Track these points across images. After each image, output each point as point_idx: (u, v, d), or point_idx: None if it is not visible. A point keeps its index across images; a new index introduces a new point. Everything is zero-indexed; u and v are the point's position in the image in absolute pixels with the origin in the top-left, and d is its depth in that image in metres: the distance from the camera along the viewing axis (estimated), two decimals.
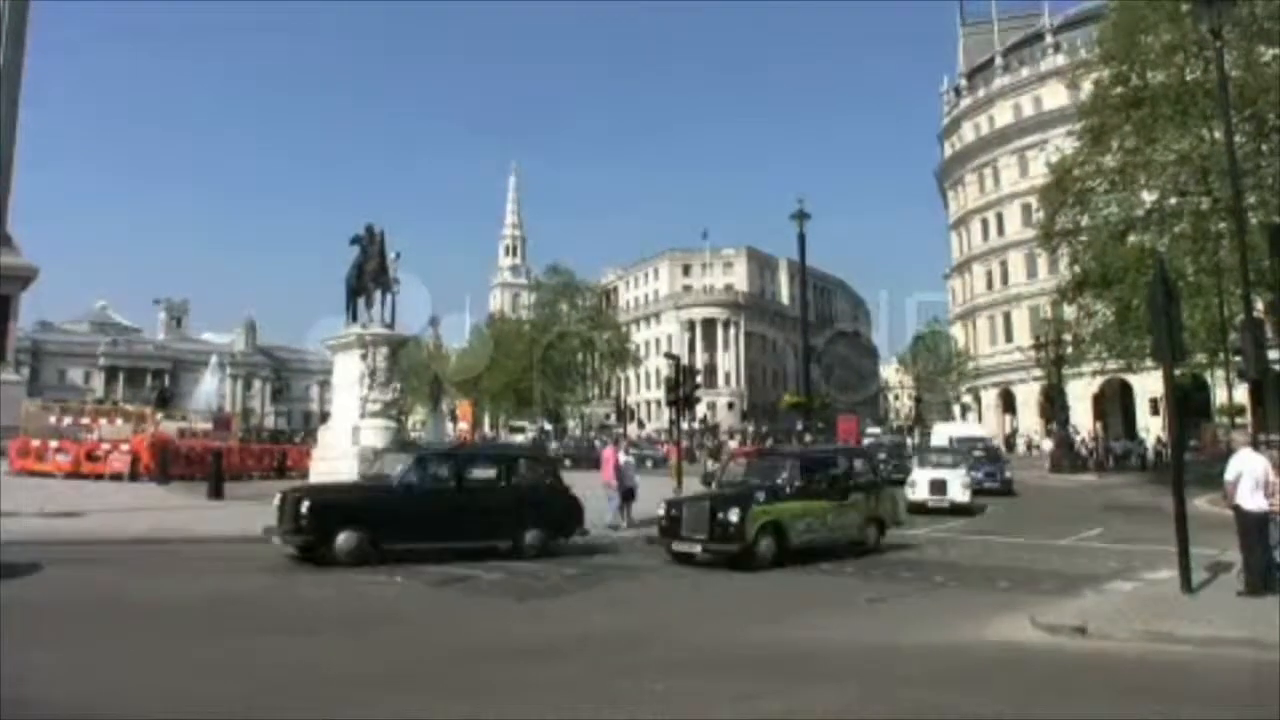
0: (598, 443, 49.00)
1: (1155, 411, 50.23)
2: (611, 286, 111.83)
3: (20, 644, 7.35)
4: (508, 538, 14.33)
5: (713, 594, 12.28)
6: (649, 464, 42.05)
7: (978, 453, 32.21)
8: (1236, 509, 10.70)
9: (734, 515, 13.53)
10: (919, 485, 24.09)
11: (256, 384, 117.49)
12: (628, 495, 18.94)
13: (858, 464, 17.17)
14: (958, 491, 23.59)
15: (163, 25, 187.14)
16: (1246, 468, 10.68)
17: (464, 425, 64.77)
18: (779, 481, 14.98)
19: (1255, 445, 11.75)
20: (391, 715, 6.38)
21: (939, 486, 23.77)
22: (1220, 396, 37.47)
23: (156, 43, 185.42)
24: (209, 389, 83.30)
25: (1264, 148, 27.08)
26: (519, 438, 62.26)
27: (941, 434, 42.89)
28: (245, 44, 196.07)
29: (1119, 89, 29.83)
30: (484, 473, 15.04)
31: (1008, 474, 31.37)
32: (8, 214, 29.40)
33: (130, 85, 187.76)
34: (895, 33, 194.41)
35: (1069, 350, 40.67)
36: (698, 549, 13.77)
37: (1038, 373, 54.17)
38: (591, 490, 17.43)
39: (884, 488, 16.95)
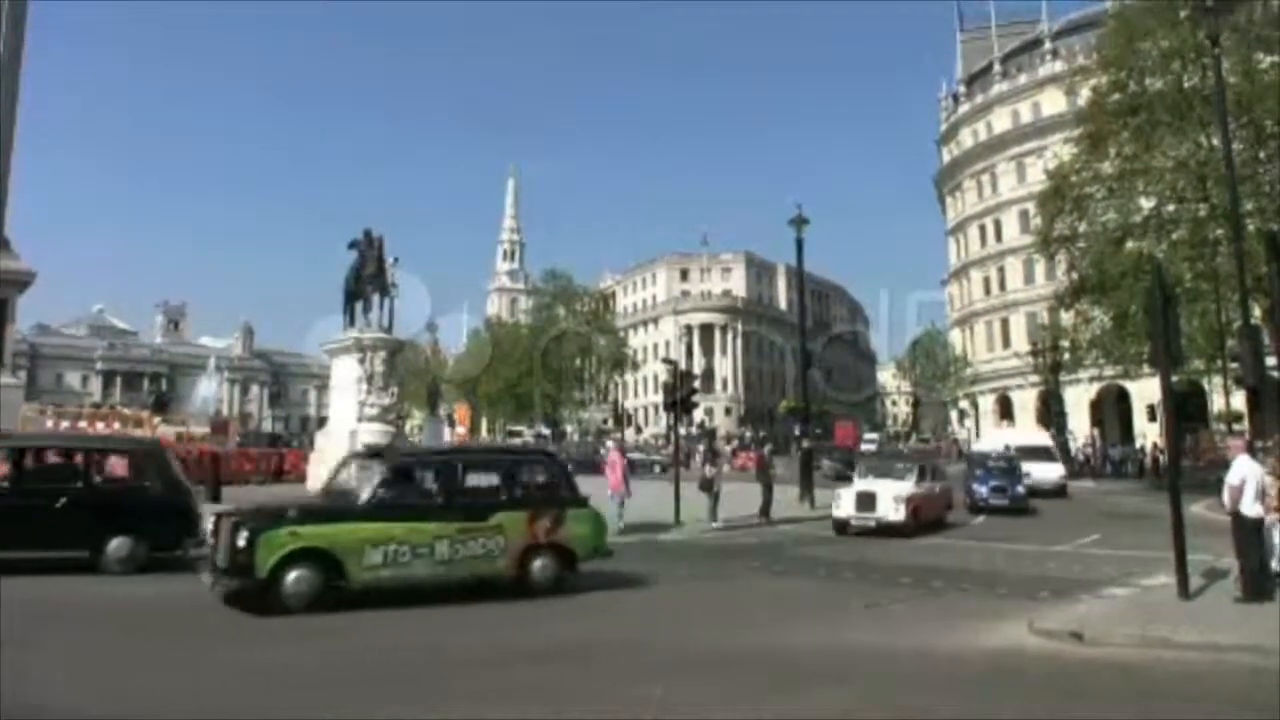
0: (605, 447, 48.60)
1: (1152, 418, 50.21)
2: (609, 291, 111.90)
3: (18, 646, 7.35)
4: (83, 547, 11.82)
5: (710, 599, 12.28)
6: (657, 469, 42.34)
7: (993, 463, 28.59)
8: (1237, 514, 10.72)
9: (242, 539, 9.78)
10: (844, 499, 19.87)
11: (254, 388, 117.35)
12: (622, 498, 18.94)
13: (523, 470, 12.47)
14: (888, 508, 19.07)
15: (161, 27, 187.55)
16: (1249, 473, 10.75)
17: (462, 429, 64.74)
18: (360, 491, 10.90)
19: (1252, 452, 11.76)
20: (389, 717, 6.38)
21: (866, 501, 19.43)
22: (1217, 403, 37.52)
23: (155, 44, 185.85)
24: (207, 393, 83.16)
25: (1261, 155, 27.13)
26: (516, 442, 62.22)
27: (994, 440, 37.60)
28: (244, 46, 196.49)
29: (1117, 95, 29.89)
30: (56, 465, 12.68)
31: (1020, 488, 26.31)
32: (6, 217, 29.30)
33: (128, 87, 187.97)
34: (894, 38, 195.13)
35: (1066, 356, 40.67)
36: (209, 580, 10.40)
37: (1035, 378, 54.29)
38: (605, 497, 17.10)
39: (570, 505, 11.88)
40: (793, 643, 9.18)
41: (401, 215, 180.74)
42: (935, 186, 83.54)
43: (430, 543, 10.59)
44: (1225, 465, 11.67)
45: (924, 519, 20.14)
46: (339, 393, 26.30)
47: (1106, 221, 30.74)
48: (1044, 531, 20.90)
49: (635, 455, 45.29)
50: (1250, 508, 10.65)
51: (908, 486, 20.21)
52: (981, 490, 26.05)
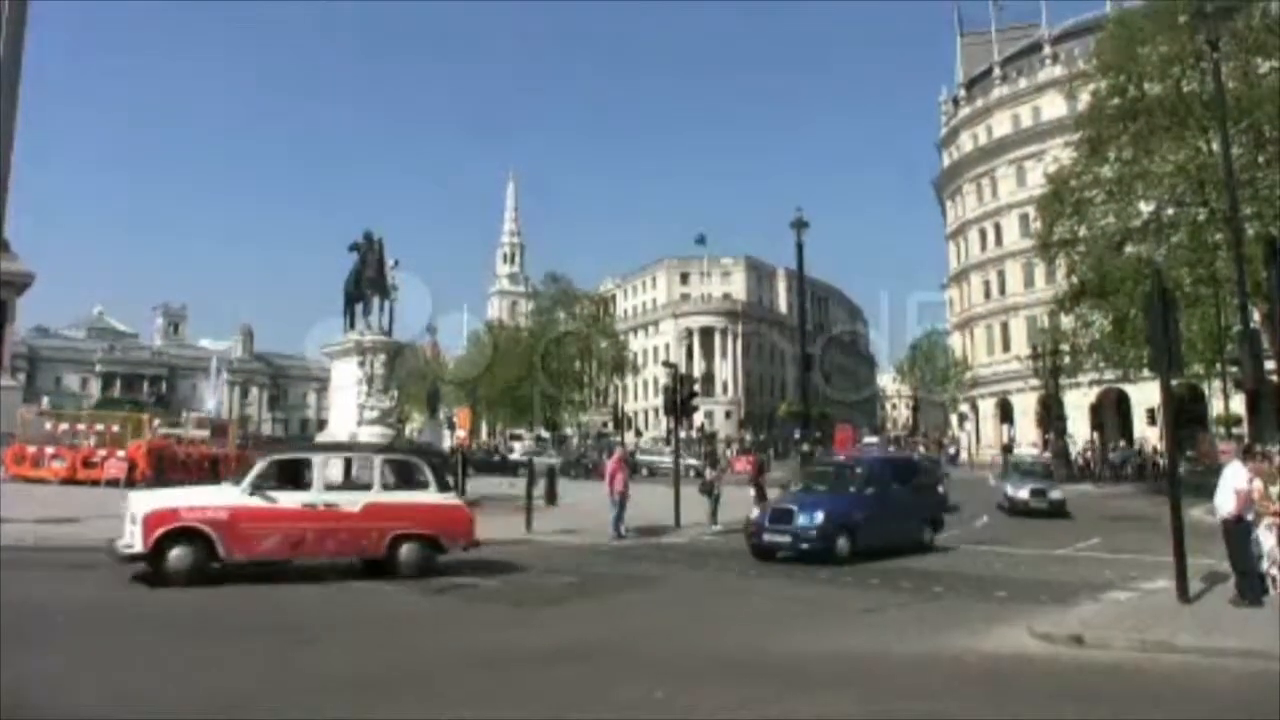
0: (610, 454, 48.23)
1: (1152, 421, 50.22)
2: (610, 295, 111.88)
3: (20, 647, 7.35)
4: None
5: (710, 602, 12.28)
6: (691, 474, 42.06)
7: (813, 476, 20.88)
8: (1239, 519, 10.74)
9: None
10: None
11: (254, 391, 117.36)
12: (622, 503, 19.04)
13: None
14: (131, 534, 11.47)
15: (161, 27, 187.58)
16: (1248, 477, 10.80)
17: (462, 432, 64.60)
18: None
19: (1251, 455, 11.79)
20: (389, 717, 6.39)
21: None
22: (1217, 407, 37.53)
23: (155, 45, 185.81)
24: (213, 398, 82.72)
25: (1261, 159, 27.17)
26: (517, 445, 62.11)
27: None
28: (244, 47, 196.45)
29: (1117, 100, 29.95)
30: None
31: (808, 521, 16.10)
32: (5, 219, 29.30)
33: (128, 87, 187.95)
34: (895, 41, 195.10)
35: (1066, 360, 40.74)
36: None
37: (1035, 382, 54.27)
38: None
39: None
40: (792, 646, 9.18)
41: (402, 217, 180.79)
42: (935, 190, 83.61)
43: None
44: (1219, 470, 11.73)
45: (262, 549, 11.82)
46: (339, 395, 26.31)
47: (1106, 225, 30.78)
48: (1043, 535, 20.88)
49: (654, 459, 45.24)
50: (1248, 511, 10.71)
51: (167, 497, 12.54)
52: (764, 522, 16.90)
